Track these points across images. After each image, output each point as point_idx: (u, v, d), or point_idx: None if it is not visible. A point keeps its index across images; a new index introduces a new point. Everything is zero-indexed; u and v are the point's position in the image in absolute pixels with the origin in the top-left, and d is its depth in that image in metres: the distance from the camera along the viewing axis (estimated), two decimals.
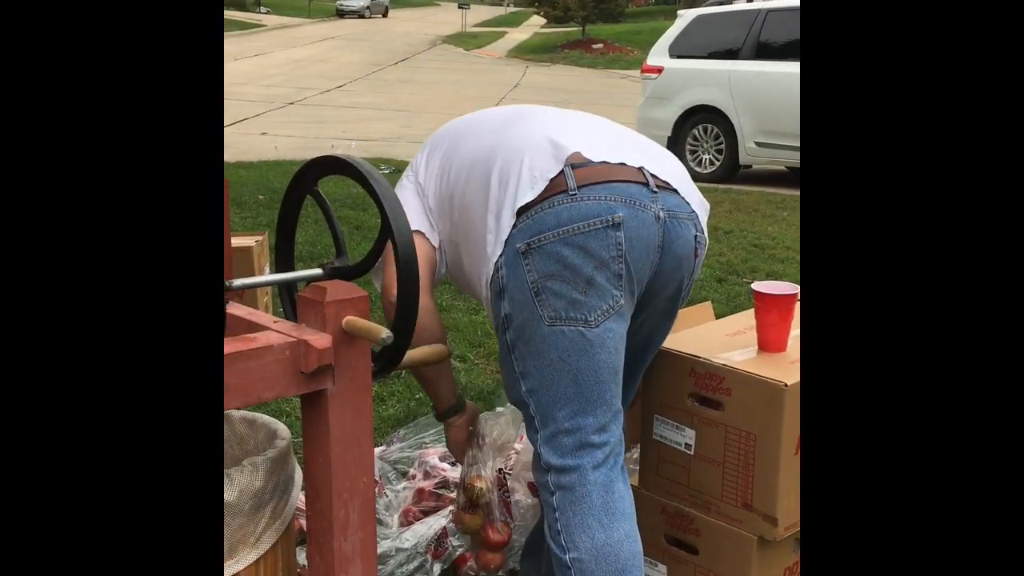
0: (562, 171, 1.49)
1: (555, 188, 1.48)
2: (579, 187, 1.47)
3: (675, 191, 1.57)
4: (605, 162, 1.53)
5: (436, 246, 1.68)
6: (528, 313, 1.49)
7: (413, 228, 1.62)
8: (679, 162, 1.67)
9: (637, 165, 1.54)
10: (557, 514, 1.53)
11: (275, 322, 1.29)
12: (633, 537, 1.54)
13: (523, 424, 1.63)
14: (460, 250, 1.64)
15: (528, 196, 1.49)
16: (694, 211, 1.60)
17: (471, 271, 1.63)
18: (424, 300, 1.67)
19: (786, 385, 1.62)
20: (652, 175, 1.55)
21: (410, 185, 1.71)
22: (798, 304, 1.78)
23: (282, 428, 1.48)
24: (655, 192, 1.52)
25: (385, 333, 1.21)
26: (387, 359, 1.40)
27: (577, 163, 1.50)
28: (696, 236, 1.59)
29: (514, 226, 1.49)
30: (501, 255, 1.51)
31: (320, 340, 1.22)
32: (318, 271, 1.45)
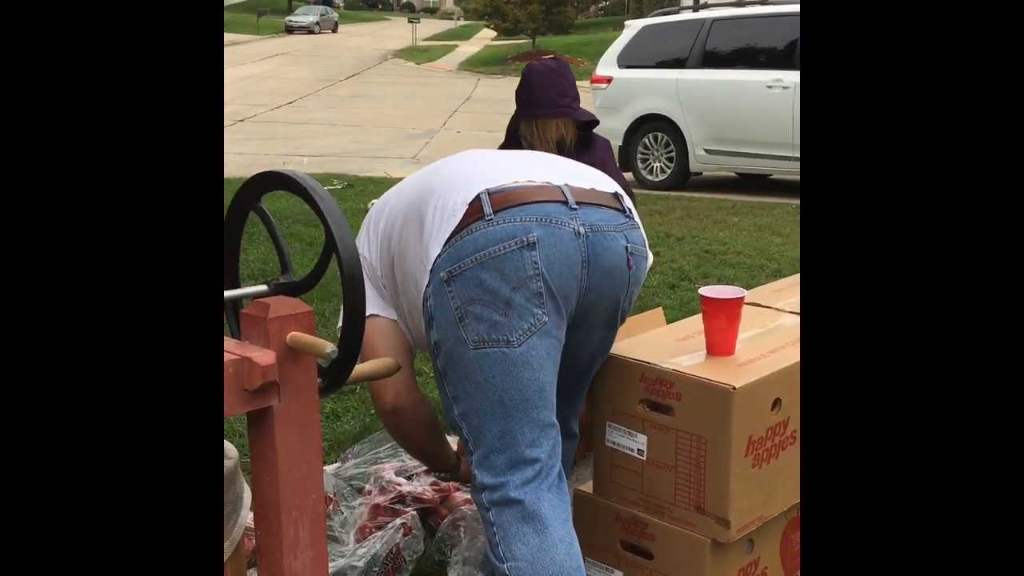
0: (478, 197, 1.54)
1: (473, 215, 1.53)
2: (495, 211, 1.52)
3: (600, 205, 1.60)
4: (529, 181, 1.57)
5: (394, 319, 1.75)
6: (454, 339, 1.54)
7: (369, 312, 1.70)
8: (608, 179, 1.70)
9: (557, 183, 1.58)
10: (494, 528, 1.56)
11: None
12: (568, 540, 1.56)
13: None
14: (406, 302, 1.70)
15: (451, 226, 1.53)
16: (625, 222, 1.62)
17: (416, 315, 1.67)
18: (414, 396, 1.80)
19: (734, 388, 1.63)
20: (572, 190, 1.58)
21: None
22: (744, 307, 1.80)
23: (229, 447, 1.46)
24: (574, 209, 1.55)
25: (330, 348, 1.20)
26: (335, 374, 1.39)
27: (494, 189, 1.55)
28: (627, 247, 1.62)
29: (439, 256, 1.54)
30: (428, 285, 1.56)
31: (264, 357, 1.20)
32: (263, 287, 1.44)
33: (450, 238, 1.53)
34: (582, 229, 1.55)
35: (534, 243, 1.51)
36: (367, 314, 1.71)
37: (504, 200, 1.53)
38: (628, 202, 1.68)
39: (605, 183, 1.67)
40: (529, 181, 1.57)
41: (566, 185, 1.58)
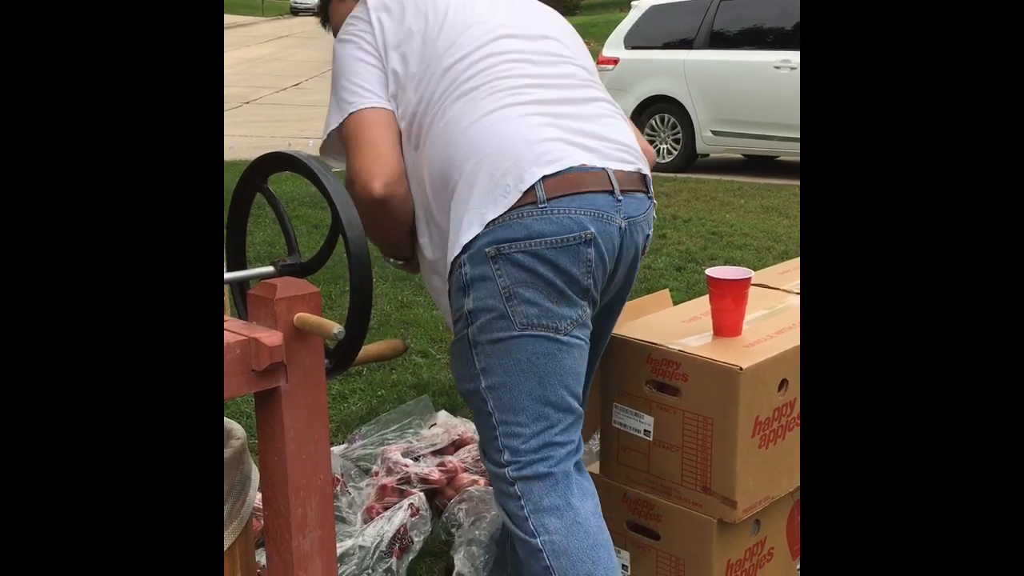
0: (532, 186, 1.45)
1: (525, 198, 1.45)
2: (548, 199, 1.45)
3: (636, 191, 1.56)
4: (583, 167, 1.49)
5: (397, 114, 1.60)
6: (497, 314, 1.48)
7: (369, 105, 1.58)
8: (636, 146, 1.62)
9: (603, 165, 1.51)
10: (522, 501, 1.51)
11: (226, 321, 1.27)
12: (598, 515, 1.54)
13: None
14: (418, 185, 1.58)
15: (500, 206, 1.45)
16: (649, 206, 1.60)
17: (420, 215, 1.60)
18: (404, 186, 1.59)
19: (741, 369, 1.63)
20: (617, 175, 1.52)
21: (364, 44, 1.62)
22: (751, 288, 1.80)
23: (236, 428, 1.46)
24: (619, 200, 1.51)
25: (337, 328, 1.20)
26: (341, 355, 1.40)
27: (549, 174, 1.46)
28: (647, 236, 1.60)
29: (484, 229, 1.46)
30: (464, 252, 1.48)
31: (271, 338, 1.20)
32: (270, 268, 1.44)
33: (499, 216, 1.46)
34: (623, 223, 1.52)
35: (591, 239, 1.47)
36: (369, 106, 1.58)
37: (557, 187, 1.46)
38: (650, 177, 1.64)
39: (638, 155, 1.61)
40: (582, 164, 1.49)
41: (613, 171, 1.53)
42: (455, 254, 1.49)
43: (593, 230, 1.47)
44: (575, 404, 1.54)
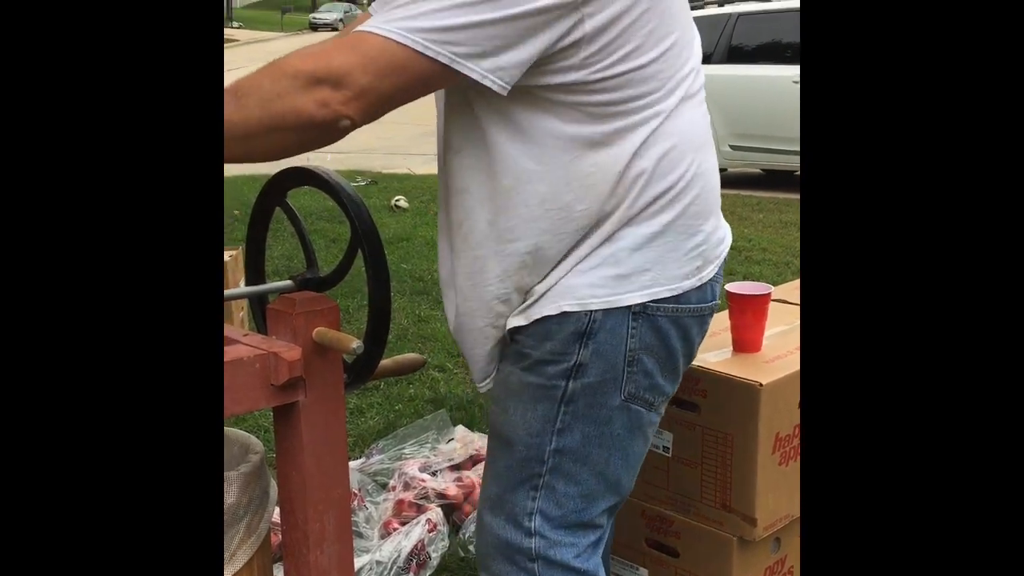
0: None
1: None
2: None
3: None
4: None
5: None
6: (610, 378, 1.29)
7: (469, 75, 1.14)
8: None
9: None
10: None
11: (244, 335, 1.27)
12: None
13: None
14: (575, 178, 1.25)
15: (679, 287, 1.30)
16: None
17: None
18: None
19: (761, 385, 1.62)
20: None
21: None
22: (771, 304, 1.78)
23: (255, 442, 1.46)
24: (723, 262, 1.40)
25: (355, 343, 1.20)
26: (359, 370, 1.40)
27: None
28: None
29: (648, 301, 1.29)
30: (603, 302, 1.29)
31: (290, 352, 1.21)
32: (288, 283, 1.44)
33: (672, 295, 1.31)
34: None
35: (715, 310, 1.34)
36: (467, 74, 1.13)
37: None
38: None
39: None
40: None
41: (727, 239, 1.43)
42: (606, 308, 1.28)
43: (717, 300, 1.36)
44: (629, 486, 1.39)
